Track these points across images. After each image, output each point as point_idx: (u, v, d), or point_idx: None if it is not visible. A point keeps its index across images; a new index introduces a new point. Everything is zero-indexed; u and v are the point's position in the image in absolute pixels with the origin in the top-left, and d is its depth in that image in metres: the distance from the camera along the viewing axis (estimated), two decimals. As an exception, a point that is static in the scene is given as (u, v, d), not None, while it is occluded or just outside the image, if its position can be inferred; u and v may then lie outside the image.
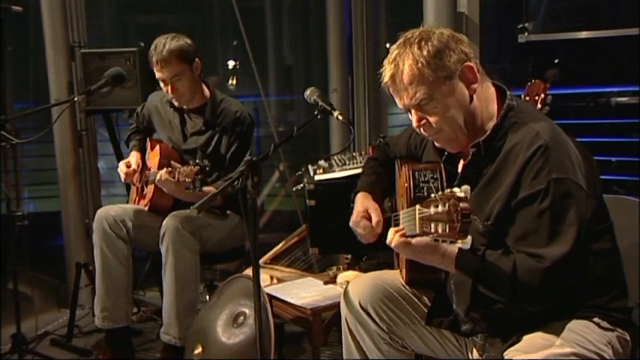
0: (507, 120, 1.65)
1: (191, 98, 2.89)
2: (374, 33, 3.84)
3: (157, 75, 2.80)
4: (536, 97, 2.34)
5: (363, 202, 1.98)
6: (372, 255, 2.82)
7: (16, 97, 4.84)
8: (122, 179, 3.02)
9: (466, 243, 1.37)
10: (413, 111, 1.67)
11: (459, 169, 1.77)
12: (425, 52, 1.60)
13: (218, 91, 3.02)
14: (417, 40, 1.62)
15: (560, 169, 1.54)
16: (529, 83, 2.38)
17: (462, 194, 1.35)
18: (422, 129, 1.69)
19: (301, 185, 2.76)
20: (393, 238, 1.60)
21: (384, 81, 1.67)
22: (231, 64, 5.86)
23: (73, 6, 3.64)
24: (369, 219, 1.92)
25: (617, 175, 3.74)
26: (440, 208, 1.37)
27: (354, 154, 2.83)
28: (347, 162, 2.77)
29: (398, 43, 1.66)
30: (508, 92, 1.70)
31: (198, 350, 2.55)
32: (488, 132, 1.65)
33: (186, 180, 2.52)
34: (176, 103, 2.90)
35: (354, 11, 3.79)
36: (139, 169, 3.01)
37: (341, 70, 3.84)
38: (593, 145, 3.63)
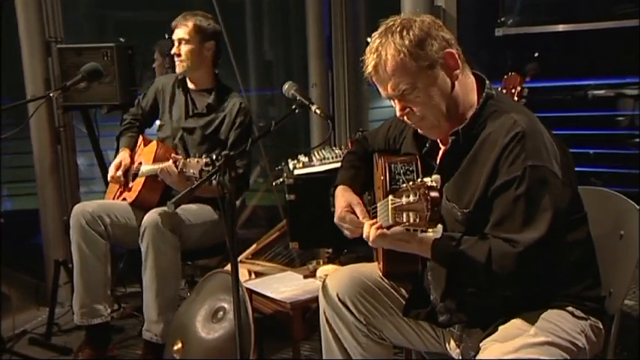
0: (486, 109, 1.67)
1: (192, 71, 2.95)
2: (353, 27, 3.84)
3: (173, 36, 2.92)
4: (513, 90, 2.36)
5: (344, 196, 1.97)
6: (352, 249, 2.83)
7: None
8: (109, 178, 3.01)
9: (437, 232, 1.39)
10: (396, 100, 1.67)
11: (438, 160, 1.78)
12: (407, 42, 1.60)
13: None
14: (398, 29, 1.62)
15: (536, 157, 1.55)
16: (505, 76, 2.39)
17: (432, 183, 1.37)
18: (405, 117, 1.69)
19: (281, 180, 2.76)
20: (369, 232, 1.60)
21: (367, 71, 1.66)
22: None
23: (48, 0, 3.59)
24: (354, 213, 1.92)
25: (595, 167, 3.79)
26: (411, 198, 1.38)
27: (333, 148, 2.83)
28: (327, 156, 2.76)
29: (379, 31, 1.66)
30: (487, 81, 1.72)
31: (178, 346, 2.54)
32: (467, 120, 1.66)
33: (192, 171, 2.47)
34: (178, 70, 2.95)
35: (333, 6, 3.79)
36: (125, 169, 2.99)
37: (321, 65, 3.84)
38: (571, 138, 3.67)
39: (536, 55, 4.08)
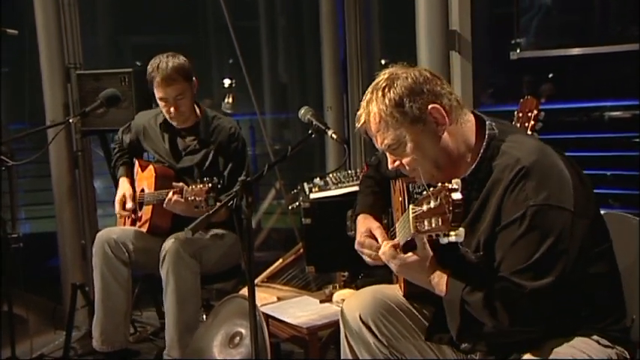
0: (489, 151, 1.64)
1: (189, 117, 2.89)
2: (368, 50, 3.86)
3: (160, 94, 2.76)
4: (529, 114, 2.34)
5: (364, 223, 1.98)
6: (369, 273, 2.82)
7: (12, 118, 4.85)
8: (117, 214, 3.02)
9: (459, 235, 1.37)
10: (387, 153, 1.72)
11: None
12: (387, 101, 1.63)
13: (209, 109, 3.02)
14: (382, 86, 1.66)
15: (538, 194, 1.53)
16: (522, 100, 2.39)
17: (453, 185, 1.36)
18: (400, 168, 1.73)
19: (297, 203, 2.76)
20: (385, 250, 1.64)
21: (359, 125, 1.72)
22: (227, 82, 5.88)
23: (68, 27, 3.65)
24: (374, 238, 1.91)
25: (612, 189, 3.75)
26: (432, 204, 1.38)
27: (349, 171, 2.84)
28: (342, 180, 2.77)
29: (372, 85, 1.70)
30: (487, 121, 1.69)
31: (195, 371, 2.53)
32: (473, 167, 1.65)
33: (197, 199, 2.51)
34: (175, 124, 2.88)
35: (348, 29, 3.82)
36: (131, 197, 2.98)
37: (336, 88, 3.86)
38: (588, 159, 3.63)
39: (550, 76, 4.08)
